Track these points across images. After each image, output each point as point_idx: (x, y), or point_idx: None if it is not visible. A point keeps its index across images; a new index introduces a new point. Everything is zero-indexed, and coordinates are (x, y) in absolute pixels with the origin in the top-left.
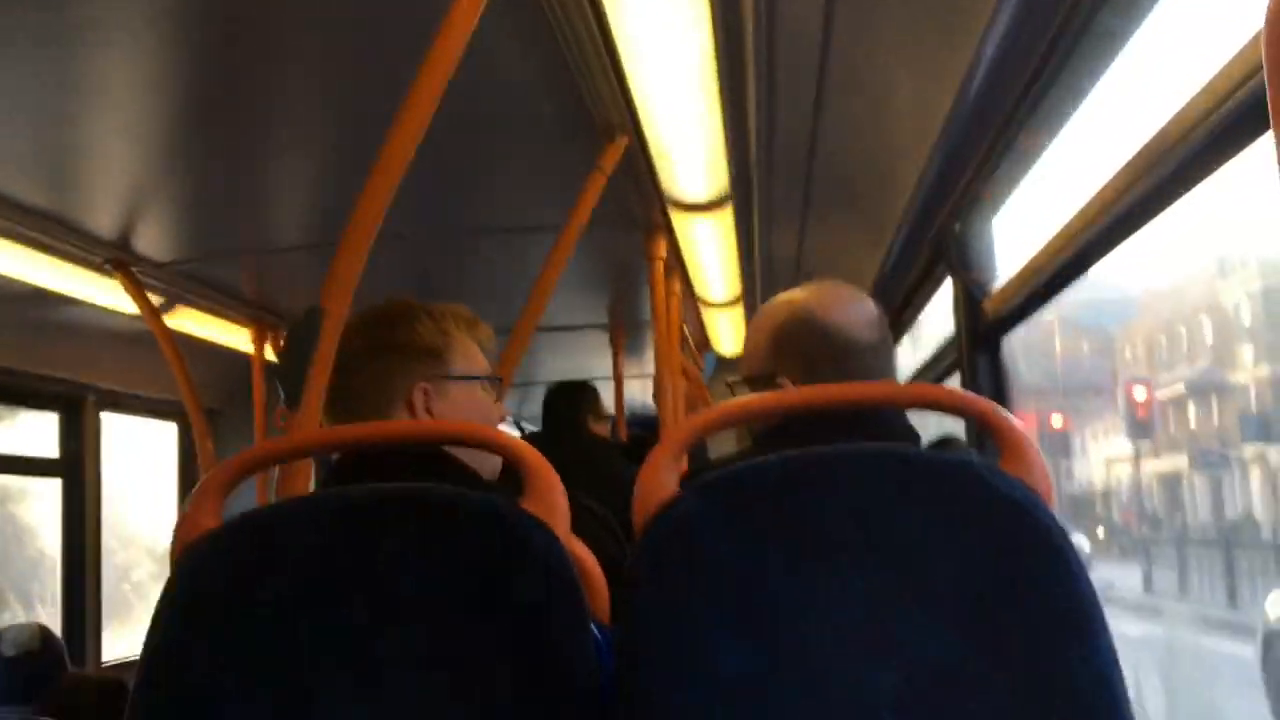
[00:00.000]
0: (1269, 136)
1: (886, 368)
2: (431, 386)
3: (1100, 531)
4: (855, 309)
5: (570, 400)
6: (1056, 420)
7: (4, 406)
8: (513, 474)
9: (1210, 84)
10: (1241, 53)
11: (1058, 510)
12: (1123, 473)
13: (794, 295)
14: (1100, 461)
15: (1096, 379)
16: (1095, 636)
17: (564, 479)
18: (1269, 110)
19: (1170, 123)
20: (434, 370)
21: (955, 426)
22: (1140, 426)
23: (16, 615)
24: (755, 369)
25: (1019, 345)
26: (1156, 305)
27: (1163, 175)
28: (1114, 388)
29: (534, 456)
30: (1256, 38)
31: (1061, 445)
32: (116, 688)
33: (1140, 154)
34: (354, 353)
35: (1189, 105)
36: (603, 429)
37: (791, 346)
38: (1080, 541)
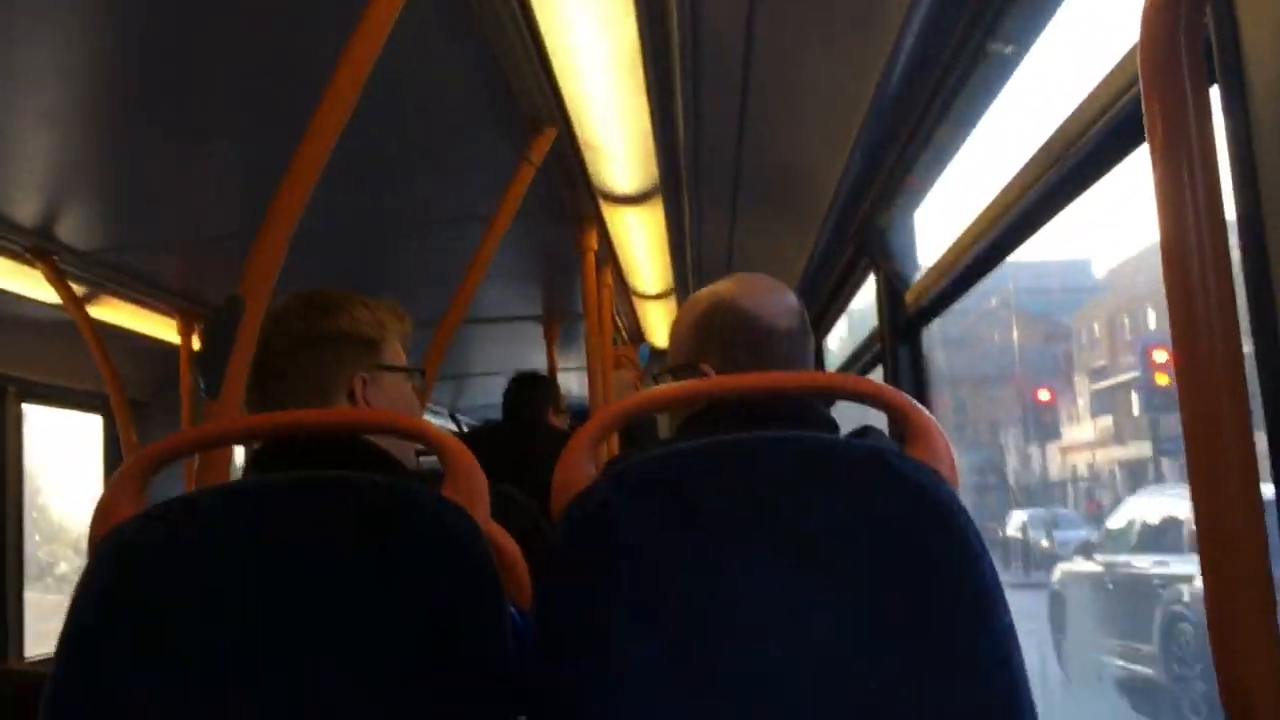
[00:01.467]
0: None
1: (804, 358)
2: (368, 376)
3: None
4: (773, 298)
5: (530, 392)
6: (1044, 394)
7: None
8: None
9: (1095, 90)
10: (1124, 60)
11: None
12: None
13: (716, 286)
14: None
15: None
16: (996, 618)
17: (525, 470)
18: (1144, 120)
19: (1065, 123)
20: (371, 360)
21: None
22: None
23: None
24: (678, 358)
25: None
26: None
27: (1061, 173)
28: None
29: (455, 445)
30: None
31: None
32: (35, 681)
33: (1040, 153)
34: (291, 339)
35: (1079, 109)
36: (561, 421)
37: (711, 334)
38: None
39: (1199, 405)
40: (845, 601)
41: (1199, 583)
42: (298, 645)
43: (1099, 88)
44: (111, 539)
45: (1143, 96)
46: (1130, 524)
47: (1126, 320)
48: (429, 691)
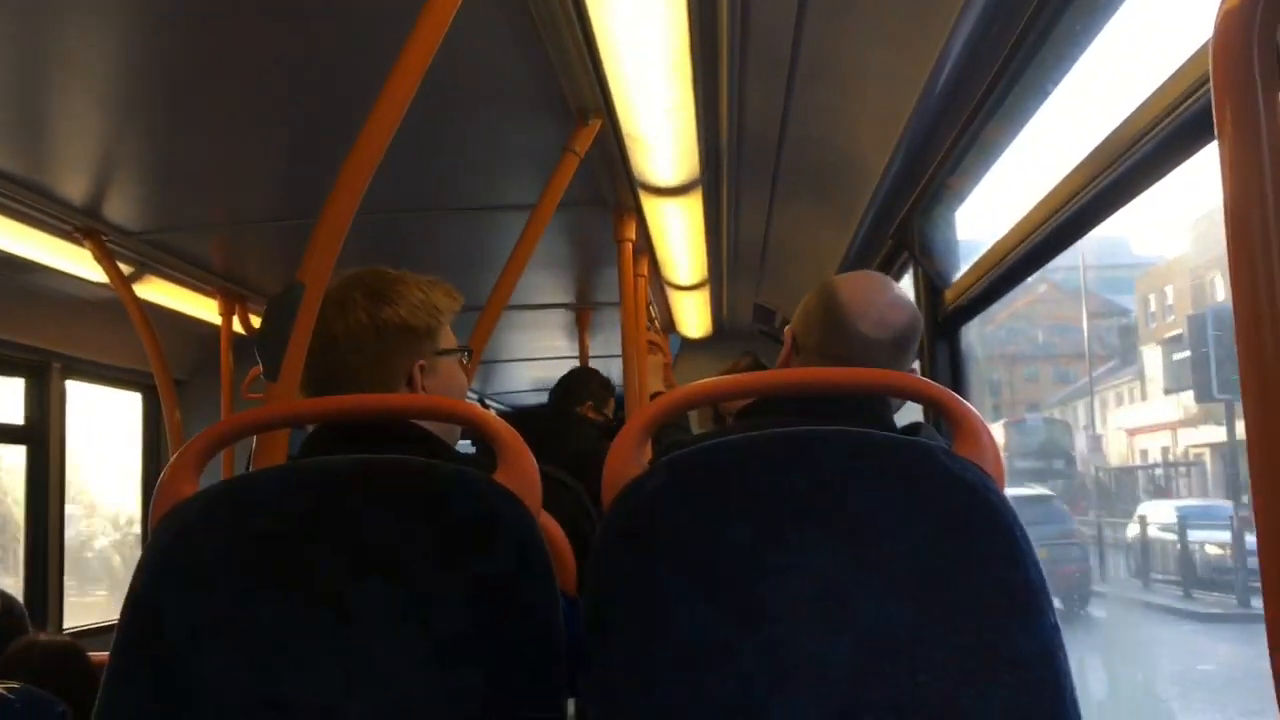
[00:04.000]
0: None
1: (899, 365)
2: (426, 363)
3: None
4: (869, 302)
5: (570, 383)
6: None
7: None
8: (488, 448)
9: (1161, 89)
10: (1192, 59)
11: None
12: None
13: (846, 282)
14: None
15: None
16: (1040, 614)
17: (534, 452)
18: (1214, 118)
19: (1123, 125)
20: (429, 347)
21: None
22: None
23: None
24: (795, 325)
25: None
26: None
27: (1115, 176)
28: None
29: (507, 431)
30: (1204, 47)
31: None
32: (68, 649)
33: (1093, 154)
34: (357, 331)
35: (1140, 109)
36: (598, 417)
37: (806, 308)
38: None
39: (1268, 422)
40: (892, 592)
41: None
42: (352, 620)
43: (1164, 87)
44: (173, 516)
45: (1214, 96)
46: None
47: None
48: (482, 666)
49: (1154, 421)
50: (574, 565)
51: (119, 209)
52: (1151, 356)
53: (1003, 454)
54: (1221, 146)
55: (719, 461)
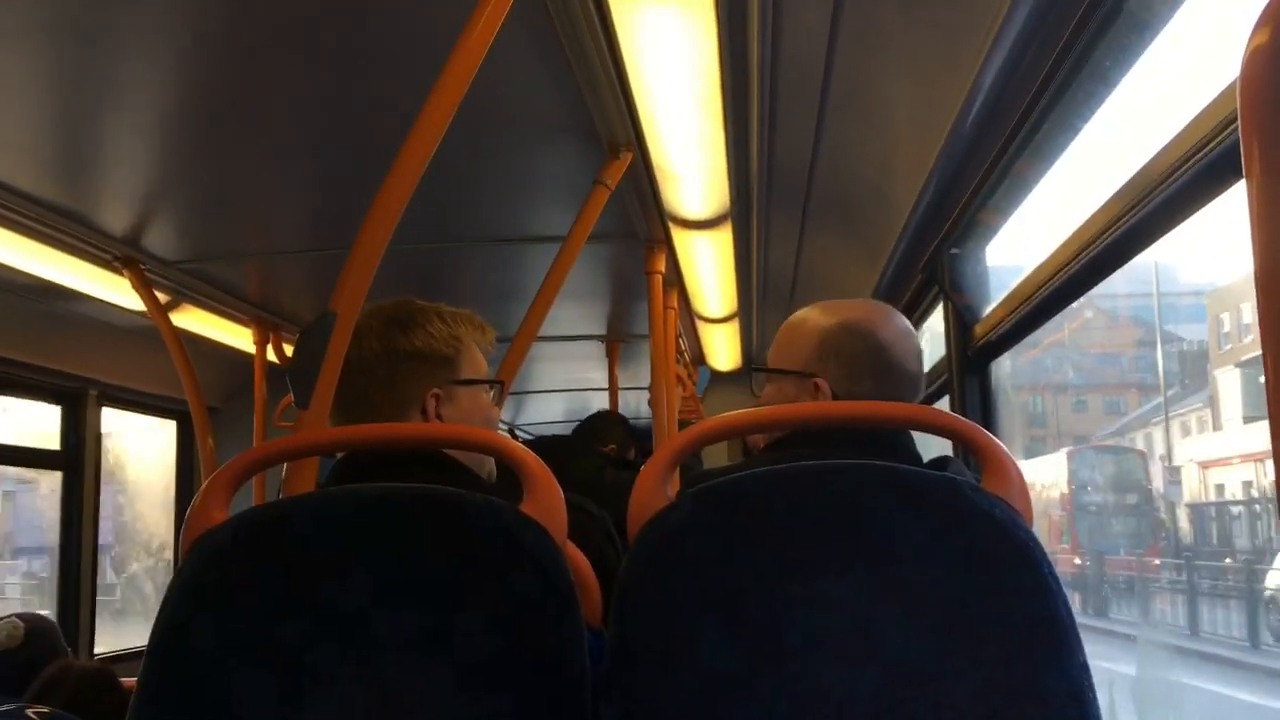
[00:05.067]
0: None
1: (916, 400)
2: (442, 391)
3: None
4: (907, 338)
5: (593, 422)
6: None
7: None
8: (512, 477)
9: (1191, 126)
10: (1221, 96)
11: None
12: None
13: (847, 310)
14: None
15: None
16: (1070, 654)
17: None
18: (1242, 158)
19: (1152, 161)
20: (445, 375)
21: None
22: None
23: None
24: (795, 364)
25: None
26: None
27: (1146, 212)
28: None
29: (534, 461)
30: (1232, 86)
31: None
32: (102, 676)
33: (1124, 190)
34: (370, 357)
35: (1170, 145)
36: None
37: (840, 352)
38: None
39: None
40: (918, 626)
41: None
42: (378, 645)
43: (1193, 124)
44: (204, 541)
45: (1241, 135)
46: None
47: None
48: (506, 696)
49: (1234, 452)
50: (599, 596)
51: (158, 238)
52: (1227, 380)
53: (1068, 488)
54: (1249, 184)
55: (745, 493)
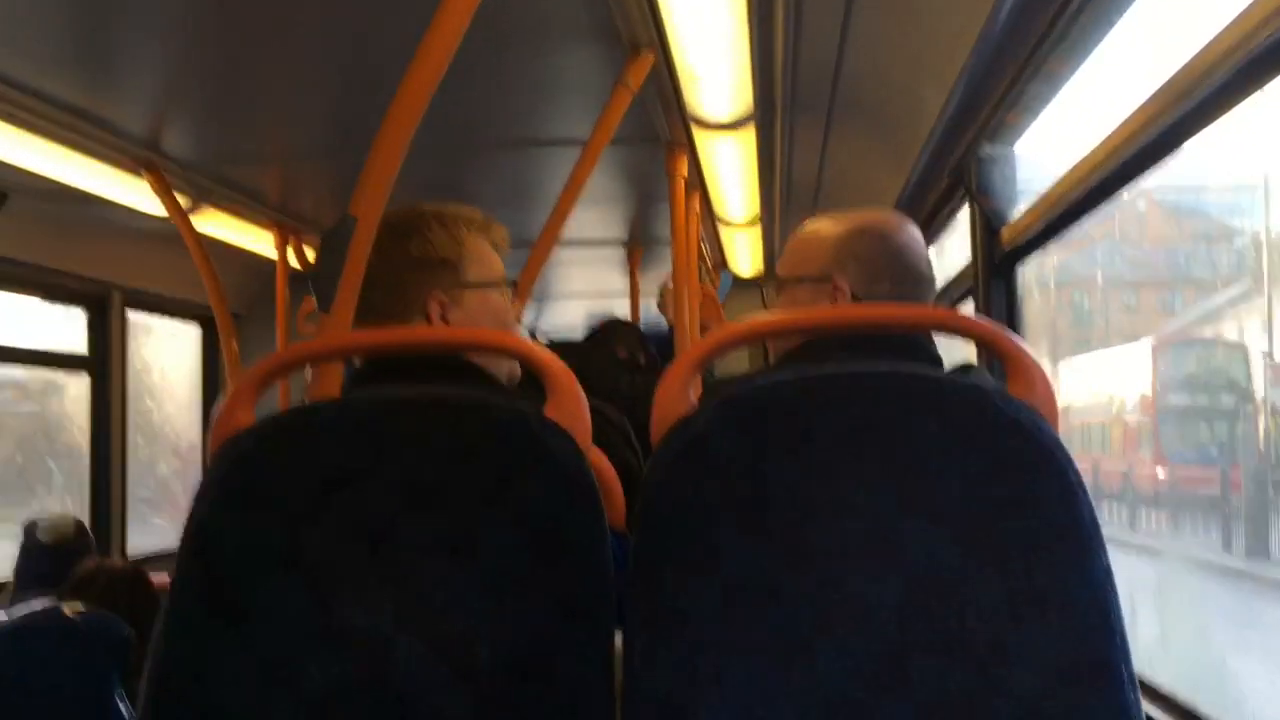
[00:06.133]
0: None
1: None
2: (447, 296)
3: None
4: (919, 242)
5: (608, 329)
6: None
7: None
8: (535, 380)
9: (1241, 15)
10: None
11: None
12: None
13: (860, 215)
14: None
15: None
16: (1094, 560)
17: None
18: None
19: (1197, 55)
20: (449, 279)
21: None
22: None
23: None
24: (811, 270)
25: None
26: None
27: (1186, 108)
28: None
29: (557, 365)
30: None
31: None
32: (133, 574)
33: (1164, 87)
34: (374, 267)
35: (1218, 37)
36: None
37: (857, 254)
38: None
39: None
40: (941, 533)
41: None
42: (403, 548)
43: (1240, 17)
44: (231, 446)
45: None
46: None
47: None
48: (530, 600)
49: None
50: (623, 501)
51: (177, 141)
52: None
53: (1153, 389)
54: None
55: (769, 400)
